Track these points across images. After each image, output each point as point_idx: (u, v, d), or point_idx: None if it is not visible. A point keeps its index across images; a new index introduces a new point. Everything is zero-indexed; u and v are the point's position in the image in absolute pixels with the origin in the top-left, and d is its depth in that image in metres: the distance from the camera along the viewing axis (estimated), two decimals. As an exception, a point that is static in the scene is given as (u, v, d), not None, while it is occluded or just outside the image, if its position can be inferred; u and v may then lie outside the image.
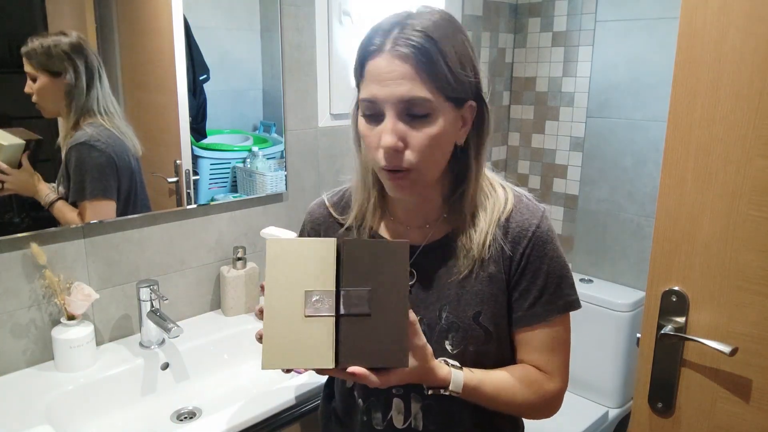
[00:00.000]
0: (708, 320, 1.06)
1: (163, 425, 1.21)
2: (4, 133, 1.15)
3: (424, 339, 0.75)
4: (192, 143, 1.40)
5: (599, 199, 2.13)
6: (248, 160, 1.52)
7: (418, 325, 0.73)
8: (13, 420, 1.04)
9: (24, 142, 1.16)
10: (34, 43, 1.12)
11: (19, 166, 1.17)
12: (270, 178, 1.55)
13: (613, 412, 2.02)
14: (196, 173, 1.42)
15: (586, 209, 2.17)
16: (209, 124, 1.44)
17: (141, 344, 1.31)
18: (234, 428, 1.03)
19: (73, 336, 1.19)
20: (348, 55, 1.67)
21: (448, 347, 0.85)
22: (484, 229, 0.84)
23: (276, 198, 1.59)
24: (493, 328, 0.86)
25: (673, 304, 1.09)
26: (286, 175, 1.59)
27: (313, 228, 1.00)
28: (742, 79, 0.97)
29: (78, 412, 1.16)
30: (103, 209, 1.26)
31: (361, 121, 0.80)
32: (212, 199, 1.47)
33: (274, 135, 1.56)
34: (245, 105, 1.52)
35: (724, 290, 1.03)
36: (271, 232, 1.45)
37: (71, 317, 1.21)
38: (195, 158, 1.42)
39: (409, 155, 0.76)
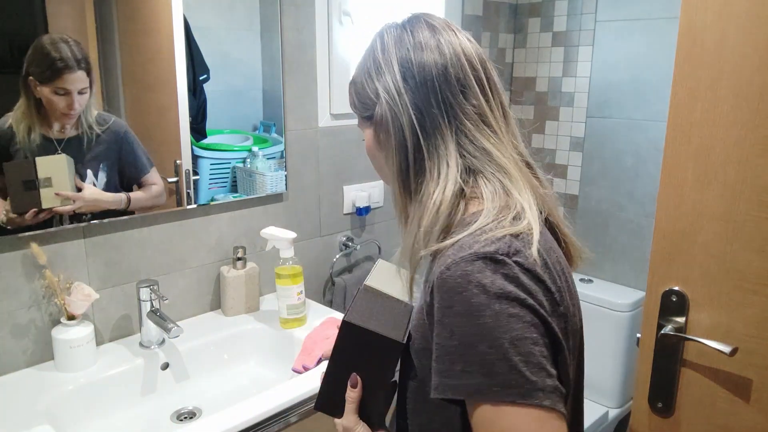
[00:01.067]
0: (708, 320, 1.06)
1: (163, 425, 1.21)
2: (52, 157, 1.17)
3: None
4: (192, 143, 1.40)
5: (599, 199, 2.13)
6: (248, 160, 1.52)
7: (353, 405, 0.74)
8: (13, 420, 1.04)
9: (70, 159, 1.19)
10: (83, 54, 1.14)
11: (79, 189, 1.22)
12: (270, 178, 1.55)
13: (613, 412, 2.02)
14: (196, 173, 1.42)
15: (586, 209, 2.17)
16: (209, 124, 1.44)
17: (141, 344, 1.31)
18: (234, 428, 1.03)
19: (73, 336, 1.19)
20: (348, 55, 1.67)
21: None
22: (416, 249, 0.71)
23: (276, 198, 1.59)
24: (418, 365, 0.72)
25: (673, 304, 1.09)
26: (286, 175, 1.59)
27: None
28: (742, 79, 0.97)
29: (78, 412, 1.16)
30: (158, 172, 1.36)
31: None
32: (212, 199, 1.47)
33: (274, 135, 1.56)
34: (245, 105, 1.52)
35: (724, 290, 1.03)
36: (271, 232, 1.45)
37: (71, 317, 1.21)
38: (195, 158, 1.42)
39: None
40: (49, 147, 1.18)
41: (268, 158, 1.54)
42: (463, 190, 0.70)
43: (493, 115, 0.73)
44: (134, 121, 1.30)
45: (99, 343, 1.30)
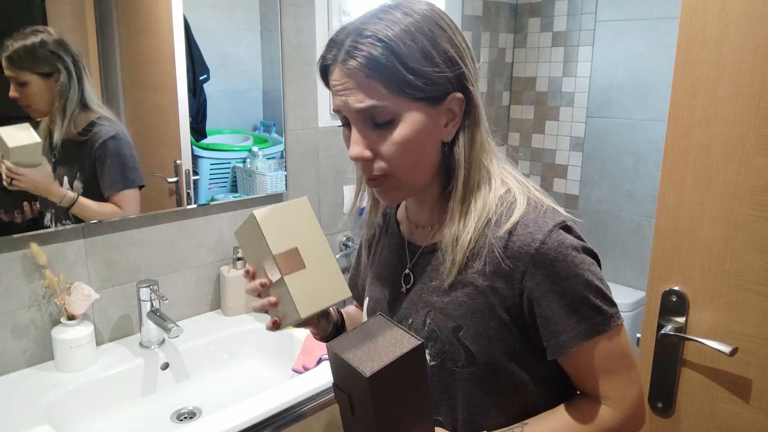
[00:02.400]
0: (708, 320, 1.06)
1: (163, 425, 1.21)
2: (22, 131, 1.13)
3: None
4: (192, 143, 1.40)
5: (599, 199, 2.13)
6: (248, 160, 1.52)
7: None
8: (13, 420, 1.04)
9: (40, 140, 1.14)
10: (15, 46, 1.08)
11: (36, 166, 1.16)
12: (270, 178, 1.55)
13: (613, 412, 2.02)
14: (196, 173, 1.42)
15: (586, 209, 2.17)
16: (209, 124, 1.44)
17: (141, 344, 1.31)
18: (234, 428, 1.03)
19: (73, 336, 1.19)
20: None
21: (428, 356, 0.78)
22: (470, 232, 0.74)
23: (276, 198, 1.59)
24: (477, 350, 0.75)
25: (673, 304, 1.09)
26: (286, 175, 1.59)
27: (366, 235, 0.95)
28: (742, 79, 0.97)
29: (78, 412, 1.16)
30: (137, 196, 1.31)
31: (343, 129, 0.77)
32: (212, 199, 1.47)
33: (274, 135, 1.56)
34: (245, 105, 1.52)
35: (724, 290, 1.03)
36: (271, 232, 1.45)
37: (71, 317, 1.21)
38: (195, 158, 1.42)
39: (379, 163, 0.73)
40: (48, 147, 1.19)
41: (268, 158, 1.54)
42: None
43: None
44: (134, 122, 1.30)
45: (99, 343, 1.30)
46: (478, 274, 0.74)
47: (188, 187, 1.41)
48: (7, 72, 1.09)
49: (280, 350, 1.40)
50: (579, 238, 0.75)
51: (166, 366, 1.29)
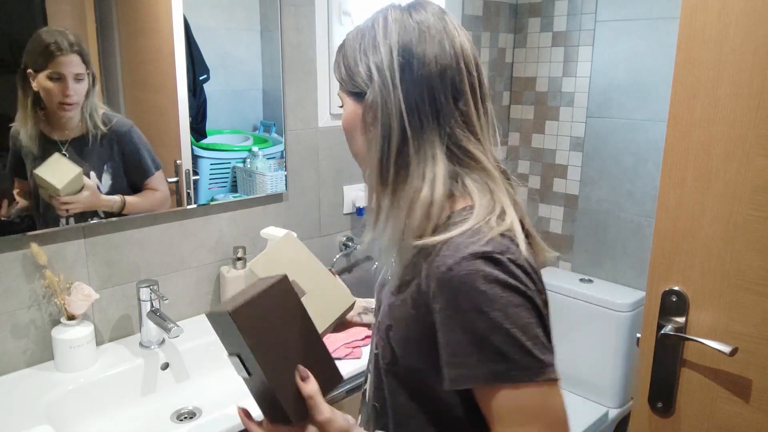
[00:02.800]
0: (708, 320, 1.06)
1: (163, 425, 1.21)
2: (60, 164, 1.18)
3: (323, 414, 0.72)
4: (192, 143, 1.40)
5: (599, 199, 2.13)
6: (248, 160, 1.52)
7: (316, 399, 0.72)
8: (13, 420, 1.04)
9: (80, 168, 1.20)
10: (75, 38, 1.12)
11: (81, 189, 1.21)
12: (270, 178, 1.55)
13: (613, 412, 2.02)
14: (196, 173, 1.42)
15: (586, 209, 2.17)
16: (209, 124, 1.44)
17: (141, 344, 1.31)
18: (234, 428, 1.03)
19: (73, 336, 1.19)
20: (348, 55, 1.67)
21: (374, 345, 0.82)
22: (386, 239, 0.75)
23: (276, 198, 1.59)
24: (400, 354, 0.75)
25: (673, 304, 1.09)
26: (286, 175, 1.59)
27: None
28: (742, 79, 0.97)
29: (78, 412, 1.16)
30: (164, 177, 1.33)
31: None
32: (212, 199, 1.47)
33: (274, 135, 1.56)
34: (245, 105, 1.52)
35: (724, 290, 1.03)
36: (271, 232, 1.45)
37: (71, 317, 1.21)
38: (195, 158, 1.42)
39: None
40: (52, 149, 1.18)
41: (268, 158, 1.54)
42: (450, 190, 0.73)
43: (479, 122, 0.74)
44: (134, 121, 1.30)
45: (99, 343, 1.30)
46: (413, 284, 0.72)
47: (188, 187, 1.41)
48: (78, 69, 1.13)
49: (280, 350, 1.40)
50: (509, 273, 0.66)
51: (166, 366, 1.29)
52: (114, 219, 1.29)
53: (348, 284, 1.71)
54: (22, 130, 1.13)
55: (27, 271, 1.19)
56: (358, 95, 0.75)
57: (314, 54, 1.60)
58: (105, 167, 1.24)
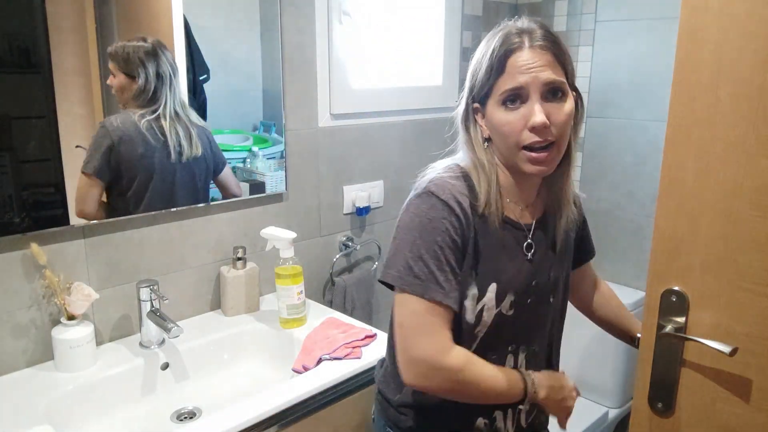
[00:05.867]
0: (708, 320, 1.06)
1: (163, 425, 1.21)
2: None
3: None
4: (192, 143, 1.40)
5: (599, 199, 2.13)
6: (248, 160, 1.52)
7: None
8: (13, 420, 1.04)
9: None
10: (118, 46, 1.25)
11: None
12: (270, 178, 1.55)
13: (613, 412, 2.02)
14: (196, 173, 1.42)
15: (586, 209, 2.15)
16: (209, 124, 1.44)
17: (141, 344, 1.31)
18: (234, 428, 1.03)
19: (73, 336, 1.19)
20: (348, 55, 1.67)
21: (551, 299, 1.05)
22: (567, 211, 1.04)
23: (276, 198, 1.59)
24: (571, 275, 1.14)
25: (673, 304, 1.09)
26: (286, 175, 1.59)
27: (459, 220, 0.98)
28: (742, 79, 0.97)
29: (78, 412, 1.16)
30: (84, 183, 1.25)
31: (499, 111, 0.92)
32: (212, 199, 1.47)
33: (274, 135, 1.56)
34: (245, 105, 1.52)
35: (725, 290, 1.03)
36: (271, 232, 1.45)
37: (71, 317, 1.21)
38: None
39: (553, 129, 0.90)
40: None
41: (268, 158, 1.54)
42: None
43: None
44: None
45: (99, 343, 1.30)
46: (568, 230, 1.09)
47: (188, 187, 1.41)
48: (109, 66, 1.25)
49: (280, 350, 1.40)
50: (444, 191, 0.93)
51: (166, 366, 1.29)
52: (114, 219, 1.29)
53: (348, 284, 1.71)
54: None
55: (27, 271, 1.19)
56: (573, 88, 0.94)
57: (314, 54, 1.60)
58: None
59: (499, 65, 0.91)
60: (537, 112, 0.88)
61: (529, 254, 1.02)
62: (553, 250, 1.04)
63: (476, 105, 0.97)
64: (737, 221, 1.00)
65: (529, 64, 0.88)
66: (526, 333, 1.04)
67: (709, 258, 1.04)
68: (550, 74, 0.89)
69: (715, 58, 0.99)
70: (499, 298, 0.99)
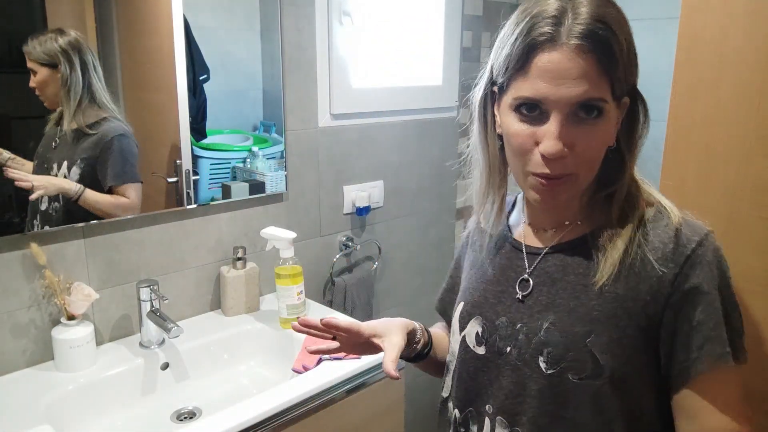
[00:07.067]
0: (708, 320, 1.06)
1: (163, 425, 1.21)
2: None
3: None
4: (192, 143, 1.40)
5: (599, 199, 2.12)
6: (248, 160, 1.52)
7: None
8: (13, 420, 1.04)
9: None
10: (33, 42, 1.16)
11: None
12: (270, 178, 1.55)
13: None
14: (196, 173, 1.42)
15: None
16: (209, 124, 1.44)
17: (141, 344, 1.31)
18: (234, 428, 1.03)
19: (73, 336, 1.19)
20: (348, 55, 1.66)
21: (542, 365, 0.72)
22: (628, 235, 0.70)
23: (276, 198, 1.59)
24: (607, 361, 0.68)
25: (673, 304, 1.09)
26: (286, 175, 1.59)
27: (467, 238, 0.94)
28: (743, 79, 0.97)
29: (78, 412, 1.16)
30: (139, 189, 1.34)
31: (513, 119, 0.69)
32: (212, 199, 1.47)
33: (274, 135, 1.56)
34: (245, 105, 1.52)
35: (724, 290, 1.03)
36: (271, 232, 1.45)
37: (71, 317, 1.21)
38: (195, 158, 1.42)
39: (572, 160, 0.67)
40: (53, 134, 1.22)
41: (268, 158, 1.54)
42: None
43: None
44: (134, 121, 1.30)
45: (99, 343, 1.30)
46: (621, 277, 0.70)
47: (188, 187, 1.41)
48: (28, 65, 1.17)
49: (280, 350, 1.40)
50: None
51: (166, 366, 1.29)
52: (114, 219, 1.29)
53: (348, 284, 1.71)
54: (53, 116, 1.22)
55: (27, 271, 1.19)
56: (619, 99, 0.69)
57: (314, 54, 1.60)
58: (78, 162, 1.25)
59: (518, 61, 0.66)
60: (552, 138, 0.65)
61: (521, 294, 0.77)
62: (570, 295, 0.72)
63: (494, 89, 0.73)
64: (737, 221, 1.00)
65: (559, 72, 0.63)
66: (499, 391, 0.77)
67: (709, 258, 1.04)
68: (584, 90, 0.63)
69: (715, 58, 0.99)
70: (463, 322, 0.83)
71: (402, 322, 0.87)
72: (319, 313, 1.50)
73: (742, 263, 1.01)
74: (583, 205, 0.77)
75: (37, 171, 1.21)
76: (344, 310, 1.70)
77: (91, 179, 1.26)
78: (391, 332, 0.84)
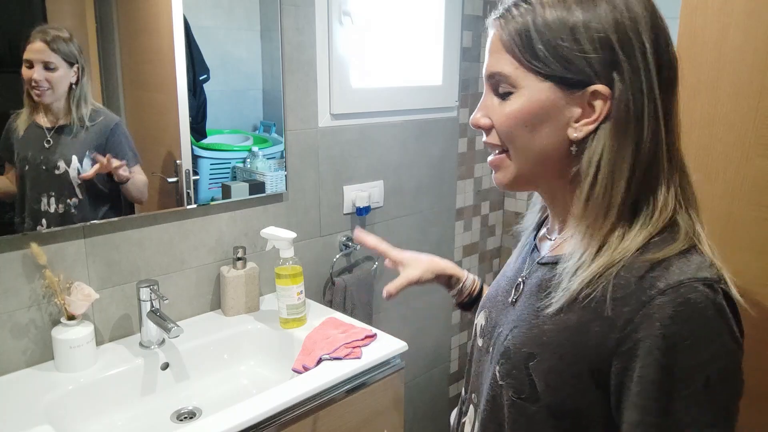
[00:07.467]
0: (708, 320, 1.06)
1: (163, 425, 1.21)
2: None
3: None
4: (192, 143, 1.40)
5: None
6: (248, 160, 1.52)
7: None
8: (13, 420, 1.04)
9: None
10: (55, 33, 1.18)
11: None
12: (270, 178, 1.55)
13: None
14: (196, 173, 1.42)
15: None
16: (209, 124, 1.44)
17: (141, 344, 1.31)
18: (234, 428, 1.03)
19: (73, 336, 1.19)
20: (348, 55, 1.67)
21: (498, 374, 0.70)
22: (602, 263, 0.61)
23: (276, 198, 1.59)
24: (543, 389, 0.64)
25: (673, 304, 1.09)
26: (286, 175, 1.59)
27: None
28: (742, 79, 0.97)
29: (78, 412, 1.16)
30: (142, 170, 1.36)
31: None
32: (212, 199, 1.47)
33: (274, 135, 1.56)
34: (245, 105, 1.52)
35: (724, 290, 1.03)
36: (271, 232, 1.45)
37: (71, 317, 1.21)
38: (195, 158, 1.42)
39: (493, 134, 0.68)
40: (39, 134, 1.20)
41: (268, 158, 1.54)
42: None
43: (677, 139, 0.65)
44: (134, 121, 1.30)
45: (99, 343, 1.30)
46: (579, 307, 0.62)
47: (188, 187, 1.41)
48: (46, 57, 1.17)
49: (280, 350, 1.40)
50: (732, 309, 0.61)
51: (166, 366, 1.29)
52: (114, 219, 1.29)
53: (348, 284, 1.71)
54: (20, 116, 1.19)
55: (27, 271, 1.19)
56: (568, 83, 0.62)
57: (314, 54, 1.60)
58: (87, 153, 1.25)
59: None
60: (477, 110, 0.69)
61: (514, 295, 0.75)
62: (532, 312, 0.69)
63: None
64: (737, 221, 1.00)
65: (487, 47, 0.67)
66: (482, 386, 0.77)
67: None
68: (489, 64, 0.66)
69: (715, 57, 0.99)
70: (478, 311, 0.85)
71: (436, 264, 0.99)
72: (319, 313, 1.50)
73: (741, 263, 1.01)
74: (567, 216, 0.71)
75: (30, 174, 1.21)
76: (344, 310, 1.70)
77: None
78: (412, 266, 0.97)
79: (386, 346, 1.30)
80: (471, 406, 0.80)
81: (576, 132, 0.63)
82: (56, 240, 1.22)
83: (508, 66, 0.64)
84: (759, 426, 1.03)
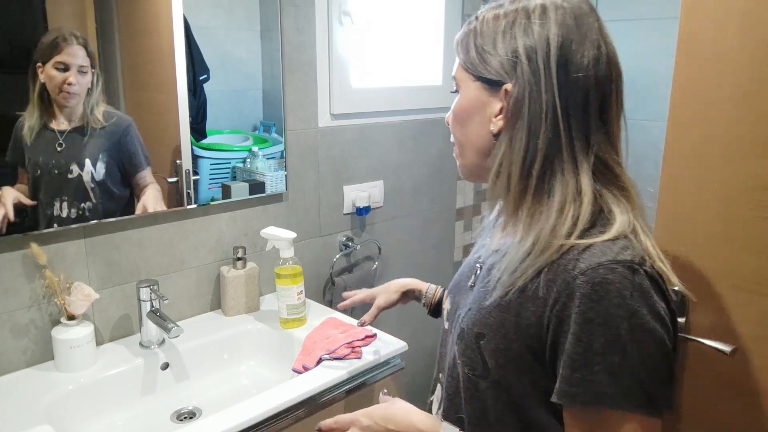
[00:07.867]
0: (708, 320, 1.06)
1: (163, 425, 1.21)
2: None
3: None
4: (192, 143, 1.40)
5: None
6: (248, 160, 1.52)
7: None
8: (13, 420, 1.04)
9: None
10: (84, 36, 1.19)
11: None
12: (270, 178, 1.55)
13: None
14: (196, 173, 1.42)
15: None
16: (209, 124, 1.44)
17: (141, 344, 1.31)
18: (234, 428, 1.03)
19: (73, 336, 1.19)
20: (348, 55, 1.67)
21: (456, 353, 0.76)
22: (523, 254, 0.68)
23: (276, 198, 1.59)
24: (493, 366, 0.70)
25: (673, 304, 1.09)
26: (286, 175, 1.59)
27: None
28: (741, 79, 0.97)
29: (78, 412, 1.16)
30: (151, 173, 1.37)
31: None
32: (212, 199, 1.47)
33: (274, 135, 1.56)
34: (245, 105, 1.52)
35: (724, 290, 1.03)
36: (271, 232, 1.45)
37: (71, 317, 1.21)
38: (195, 158, 1.42)
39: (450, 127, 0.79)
40: (51, 137, 1.20)
41: (268, 158, 1.54)
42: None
43: (617, 137, 0.72)
44: (134, 121, 1.30)
45: (99, 343, 1.30)
46: (526, 291, 0.67)
47: (188, 187, 1.41)
48: (82, 62, 1.18)
49: (280, 350, 1.40)
50: (657, 290, 0.64)
51: (166, 366, 1.30)
52: (114, 219, 1.29)
53: (348, 284, 1.71)
54: (27, 120, 1.17)
55: (27, 271, 1.19)
56: (489, 82, 0.71)
57: (314, 54, 1.60)
58: (100, 156, 1.25)
59: None
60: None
61: (471, 281, 0.80)
62: (482, 295, 0.74)
63: None
64: (735, 221, 1.00)
65: None
66: (444, 360, 0.84)
67: (708, 258, 1.04)
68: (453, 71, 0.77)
69: (715, 58, 0.99)
70: (445, 297, 0.90)
71: (398, 284, 1.16)
72: (319, 313, 1.50)
73: (741, 263, 1.01)
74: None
75: (43, 178, 1.20)
76: (344, 310, 1.70)
77: (110, 171, 1.28)
78: (380, 295, 1.16)
79: (386, 346, 1.30)
80: (438, 385, 0.86)
81: (493, 126, 0.72)
82: (56, 240, 1.22)
83: (458, 69, 0.76)
84: (761, 425, 1.03)
